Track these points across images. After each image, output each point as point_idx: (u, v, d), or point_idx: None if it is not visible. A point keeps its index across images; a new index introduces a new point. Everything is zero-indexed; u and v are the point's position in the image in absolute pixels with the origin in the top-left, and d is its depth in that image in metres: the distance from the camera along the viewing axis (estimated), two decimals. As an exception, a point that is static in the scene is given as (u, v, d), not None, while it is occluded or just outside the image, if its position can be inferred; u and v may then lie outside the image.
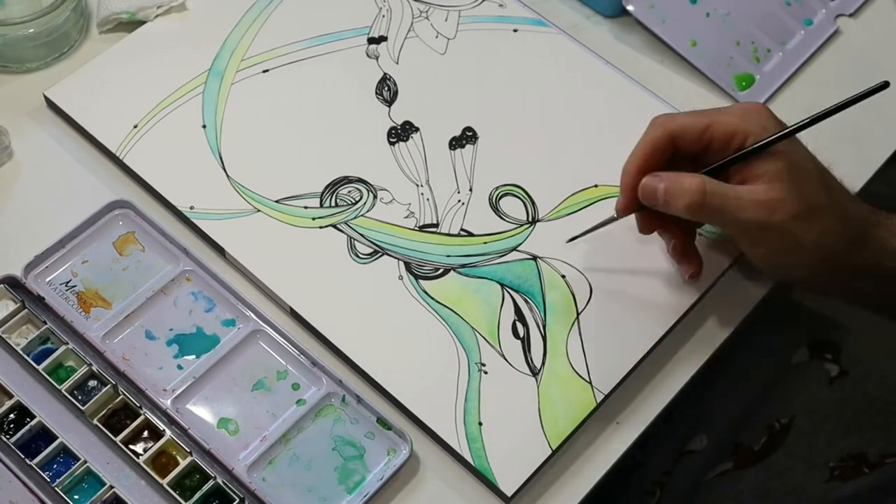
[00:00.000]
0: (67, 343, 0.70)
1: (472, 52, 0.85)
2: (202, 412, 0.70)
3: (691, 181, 0.67)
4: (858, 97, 0.68)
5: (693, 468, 0.86)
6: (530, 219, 0.78)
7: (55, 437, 0.68)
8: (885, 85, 0.67)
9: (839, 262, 0.69)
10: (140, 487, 0.68)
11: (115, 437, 0.68)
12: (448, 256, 0.76)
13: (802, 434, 0.84)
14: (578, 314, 0.74)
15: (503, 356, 0.72)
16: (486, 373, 0.72)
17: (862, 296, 0.73)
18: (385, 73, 0.84)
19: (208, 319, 0.73)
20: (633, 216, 0.73)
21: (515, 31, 0.87)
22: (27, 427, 0.68)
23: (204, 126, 0.80)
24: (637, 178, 0.70)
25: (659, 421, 0.73)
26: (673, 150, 0.70)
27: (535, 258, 0.76)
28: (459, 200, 0.78)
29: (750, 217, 0.67)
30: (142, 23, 0.84)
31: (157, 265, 0.75)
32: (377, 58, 0.84)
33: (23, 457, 0.67)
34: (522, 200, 0.79)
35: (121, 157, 0.78)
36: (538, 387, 0.71)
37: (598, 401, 0.71)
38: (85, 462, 0.67)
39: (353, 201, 0.78)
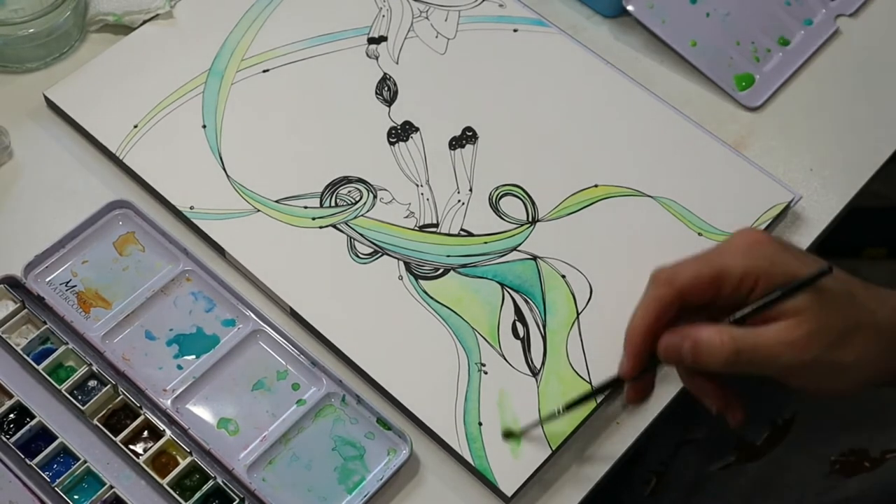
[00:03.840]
0: (67, 343, 0.70)
1: (472, 52, 0.85)
2: (202, 412, 0.70)
3: (721, 338, 0.63)
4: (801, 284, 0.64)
5: (694, 459, 0.86)
6: (530, 219, 0.78)
7: (55, 437, 0.68)
8: (829, 270, 0.63)
9: (881, 371, 0.66)
10: (140, 487, 0.68)
11: (115, 437, 0.68)
12: (448, 256, 0.76)
13: (804, 429, 0.84)
14: (578, 314, 0.74)
15: (503, 356, 0.72)
16: (486, 373, 0.72)
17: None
18: (385, 73, 0.84)
19: (208, 319, 0.73)
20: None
21: (515, 31, 0.87)
22: (27, 427, 0.68)
23: (204, 126, 0.80)
24: (647, 340, 0.65)
25: (659, 420, 0.73)
26: (681, 304, 0.65)
27: (535, 258, 0.76)
28: (459, 200, 0.78)
29: (784, 361, 0.63)
30: (128, 27, 0.84)
31: (157, 265, 0.75)
32: (377, 58, 0.84)
33: (23, 457, 0.67)
34: (522, 200, 0.79)
35: (121, 157, 0.78)
36: (538, 387, 0.71)
37: (598, 401, 0.71)
38: (85, 462, 0.67)
39: (353, 201, 0.78)
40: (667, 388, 0.73)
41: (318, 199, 0.78)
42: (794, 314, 0.63)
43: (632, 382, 0.67)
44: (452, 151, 0.81)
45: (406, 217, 0.77)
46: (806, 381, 0.65)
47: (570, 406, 0.69)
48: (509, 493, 0.68)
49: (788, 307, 0.63)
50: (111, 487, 0.67)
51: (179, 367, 0.71)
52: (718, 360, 0.63)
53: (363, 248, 0.76)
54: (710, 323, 0.64)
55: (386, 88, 0.83)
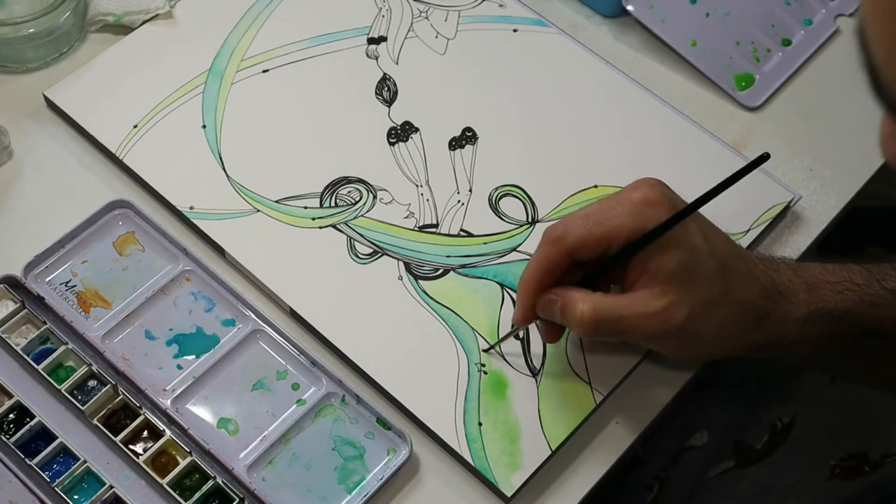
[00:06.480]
0: (67, 343, 0.70)
1: (472, 52, 0.85)
2: (202, 412, 0.70)
3: (583, 308, 0.64)
4: (741, 172, 0.64)
5: (694, 465, 0.86)
6: (530, 219, 0.78)
7: (55, 437, 0.68)
8: (766, 157, 0.64)
9: (739, 345, 0.68)
10: (140, 487, 0.68)
11: (115, 437, 0.68)
12: (448, 257, 0.76)
13: (804, 433, 0.84)
14: (578, 314, 0.74)
15: (503, 356, 0.72)
16: (485, 373, 0.72)
17: (766, 361, 0.72)
18: (385, 74, 0.84)
19: (208, 319, 0.73)
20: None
21: (515, 31, 0.87)
22: (27, 427, 0.68)
23: (204, 126, 0.80)
24: (536, 292, 0.67)
25: (658, 421, 0.73)
26: (570, 261, 0.66)
27: (534, 258, 0.76)
28: (459, 201, 0.78)
29: (645, 331, 0.65)
30: (128, 27, 0.84)
31: (157, 265, 0.75)
32: (377, 58, 0.84)
33: (23, 457, 0.67)
34: (522, 201, 0.79)
35: (121, 157, 0.78)
36: (538, 387, 0.71)
37: (598, 401, 0.71)
38: (85, 462, 0.67)
39: (353, 201, 0.78)
40: (665, 389, 0.73)
41: (318, 200, 0.78)
42: (661, 281, 0.64)
43: (535, 324, 0.70)
44: (452, 152, 0.81)
45: (406, 217, 0.77)
46: (663, 345, 0.68)
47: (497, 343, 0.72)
48: (509, 494, 0.68)
49: (657, 269, 0.64)
50: (111, 487, 0.67)
51: (179, 367, 0.71)
52: (580, 328, 0.65)
53: (363, 249, 0.76)
54: (582, 289, 0.66)
55: (386, 88, 0.83)
